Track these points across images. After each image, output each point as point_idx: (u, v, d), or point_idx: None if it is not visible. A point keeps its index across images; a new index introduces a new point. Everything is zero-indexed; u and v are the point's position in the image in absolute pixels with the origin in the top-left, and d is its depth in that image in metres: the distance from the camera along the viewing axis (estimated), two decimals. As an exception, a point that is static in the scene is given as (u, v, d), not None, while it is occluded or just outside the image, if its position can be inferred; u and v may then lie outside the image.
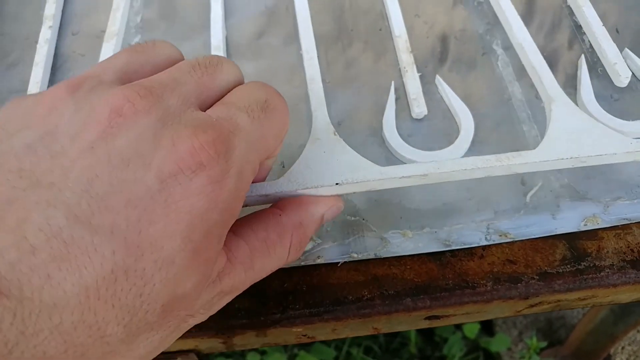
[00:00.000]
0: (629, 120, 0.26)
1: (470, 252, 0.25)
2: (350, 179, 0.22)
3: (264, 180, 0.22)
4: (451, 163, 0.22)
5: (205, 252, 0.17)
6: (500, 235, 0.25)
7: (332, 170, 0.23)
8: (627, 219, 0.25)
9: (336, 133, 0.24)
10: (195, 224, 0.16)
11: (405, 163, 0.26)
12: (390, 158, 0.27)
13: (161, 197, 0.16)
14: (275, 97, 0.20)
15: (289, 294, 0.24)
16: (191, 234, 0.16)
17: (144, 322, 0.16)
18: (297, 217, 0.21)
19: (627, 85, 0.28)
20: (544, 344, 0.80)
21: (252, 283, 0.20)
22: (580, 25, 0.31)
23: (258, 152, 0.19)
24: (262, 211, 0.21)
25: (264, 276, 0.21)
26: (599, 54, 0.29)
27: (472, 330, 0.82)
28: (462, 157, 0.26)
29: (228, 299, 0.20)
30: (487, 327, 0.87)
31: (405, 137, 0.27)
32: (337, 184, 0.22)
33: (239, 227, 0.20)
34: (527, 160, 0.23)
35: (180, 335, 0.19)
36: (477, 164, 0.23)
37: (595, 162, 0.23)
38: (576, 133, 0.23)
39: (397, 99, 0.29)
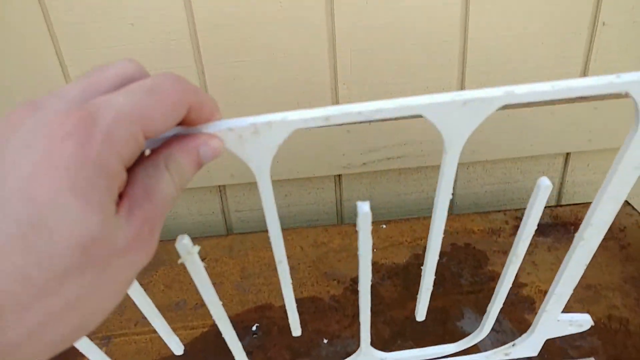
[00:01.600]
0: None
1: None
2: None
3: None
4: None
5: (94, 196, 0.21)
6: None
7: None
8: None
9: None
10: (76, 176, 0.20)
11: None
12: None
13: (46, 161, 0.20)
14: (166, 83, 0.24)
15: None
16: (75, 184, 0.20)
17: (64, 264, 0.20)
18: (167, 149, 0.25)
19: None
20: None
21: (162, 211, 0.24)
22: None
23: (134, 122, 0.22)
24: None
25: (167, 202, 0.24)
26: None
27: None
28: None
29: (154, 227, 0.24)
30: None
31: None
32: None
33: (134, 167, 0.24)
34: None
35: (133, 279, 0.24)
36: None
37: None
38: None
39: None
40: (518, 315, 0.52)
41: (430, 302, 0.39)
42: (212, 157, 0.26)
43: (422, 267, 0.36)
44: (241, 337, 0.52)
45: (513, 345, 0.45)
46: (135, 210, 0.23)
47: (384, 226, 0.67)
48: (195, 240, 0.35)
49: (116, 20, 0.58)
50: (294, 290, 0.35)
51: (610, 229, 0.43)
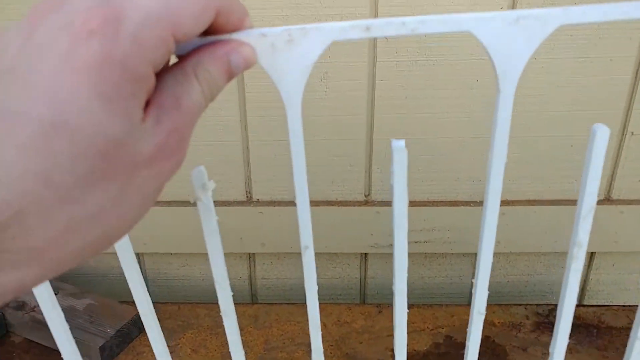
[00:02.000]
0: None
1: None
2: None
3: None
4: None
5: (119, 100, 0.20)
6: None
7: None
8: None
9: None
10: (99, 76, 0.19)
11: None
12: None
13: (69, 60, 0.19)
14: None
15: None
16: (99, 85, 0.19)
17: (87, 169, 0.20)
18: (196, 57, 0.24)
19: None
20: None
21: (192, 120, 0.24)
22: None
23: (164, 23, 0.21)
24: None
25: (198, 112, 0.24)
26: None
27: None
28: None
29: (182, 137, 0.23)
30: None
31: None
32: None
33: (163, 75, 0.23)
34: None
35: (159, 191, 0.24)
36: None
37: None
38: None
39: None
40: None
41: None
42: (243, 66, 0.25)
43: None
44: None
45: None
46: (163, 118, 0.22)
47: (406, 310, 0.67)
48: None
49: None
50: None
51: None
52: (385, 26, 0.25)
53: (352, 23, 0.25)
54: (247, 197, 0.71)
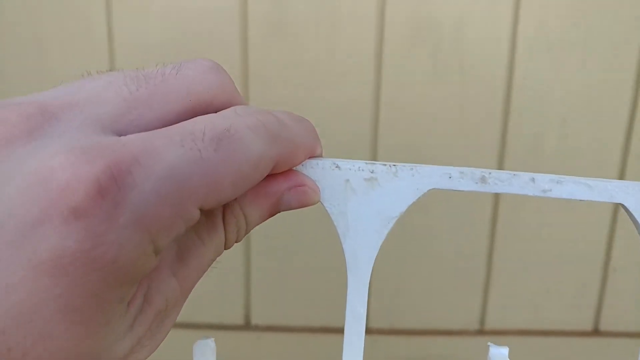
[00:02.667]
0: None
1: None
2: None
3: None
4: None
5: (97, 317, 0.14)
6: None
7: None
8: None
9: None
10: (72, 289, 0.13)
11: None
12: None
13: (24, 256, 0.12)
14: (288, 125, 0.17)
15: None
16: (69, 301, 0.13)
17: None
18: None
19: None
20: None
21: (192, 285, 0.17)
22: None
23: (189, 196, 0.14)
24: None
25: (204, 270, 0.17)
26: None
27: None
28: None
29: (167, 318, 0.17)
30: None
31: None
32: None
33: None
34: None
35: None
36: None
37: None
38: None
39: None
40: None
41: None
42: (297, 204, 0.19)
43: None
44: None
45: None
46: (153, 300, 0.16)
47: None
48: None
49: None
50: None
51: None
52: (507, 180, 0.20)
53: (463, 170, 0.19)
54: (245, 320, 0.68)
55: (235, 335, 0.64)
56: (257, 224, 0.19)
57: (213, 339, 0.22)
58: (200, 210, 0.15)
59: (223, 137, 0.15)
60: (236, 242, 0.18)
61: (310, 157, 0.19)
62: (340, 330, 0.66)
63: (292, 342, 0.64)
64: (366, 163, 0.19)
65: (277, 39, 0.48)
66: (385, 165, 0.19)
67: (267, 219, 0.19)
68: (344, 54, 0.48)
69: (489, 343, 0.23)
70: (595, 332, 0.67)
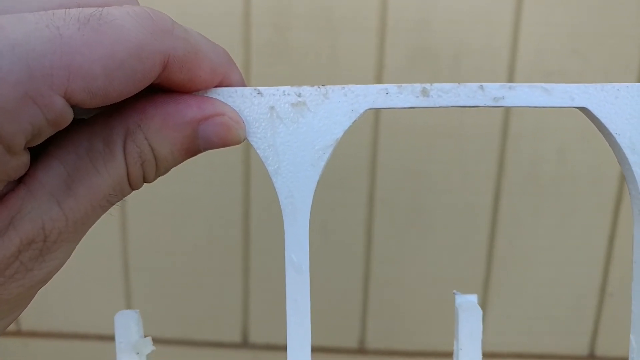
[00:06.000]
0: None
1: None
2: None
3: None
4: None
5: None
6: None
7: None
8: None
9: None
10: None
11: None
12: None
13: None
14: (126, 17, 0.14)
15: None
16: None
17: None
18: (136, 115, 0.15)
19: None
20: None
21: (80, 219, 0.14)
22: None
23: (43, 78, 0.13)
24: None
25: (98, 205, 0.15)
26: None
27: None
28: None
29: (49, 254, 0.14)
30: None
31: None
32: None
33: (59, 143, 0.15)
34: None
35: None
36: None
37: None
38: None
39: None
40: None
41: None
42: (219, 144, 0.16)
43: None
44: None
45: None
46: (23, 223, 0.14)
47: None
48: None
49: None
50: None
51: None
52: (452, 90, 0.17)
53: (401, 85, 0.17)
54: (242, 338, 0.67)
55: (232, 354, 0.65)
56: (171, 162, 0.16)
57: (138, 310, 0.20)
58: (68, 102, 0.13)
59: (91, 18, 0.13)
60: (146, 181, 0.16)
61: (226, 84, 0.17)
62: (338, 350, 0.66)
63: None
64: (291, 87, 0.17)
65: (278, 64, 0.48)
66: (313, 87, 0.17)
67: (184, 157, 0.16)
68: (344, 81, 0.48)
69: (454, 291, 0.22)
70: (591, 356, 0.67)
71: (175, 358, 0.65)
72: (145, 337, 0.20)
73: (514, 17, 0.48)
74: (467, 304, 0.20)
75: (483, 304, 0.62)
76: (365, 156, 0.52)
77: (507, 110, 0.49)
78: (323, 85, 0.17)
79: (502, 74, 0.48)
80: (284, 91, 0.17)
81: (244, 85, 0.17)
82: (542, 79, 0.49)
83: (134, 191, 0.16)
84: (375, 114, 0.50)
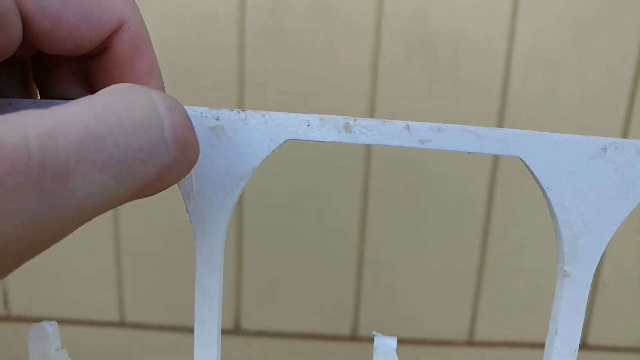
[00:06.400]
0: None
1: None
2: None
3: None
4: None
5: None
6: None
7: None
8: None
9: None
10: None
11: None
12: None
13: None
14: None
15: None
16: None
17: None
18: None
19: None
20: None
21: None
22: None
23: None
24: None
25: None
26: None
27: None
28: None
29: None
30: None
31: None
32: None
33: None
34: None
35: None
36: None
37: None
38: None
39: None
40: None
41: None
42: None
43: None
44: None
45: None
46: None
47: None
48: None
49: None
50: None
51: None
52: (376, 128, 0.16)
53: (324, 116, 0.16)
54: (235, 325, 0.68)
55: (224, 340, 0.64)
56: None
57: (55, 322, 0.19)
58: (20, 10, 0.14)
59: None
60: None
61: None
62: (331, 338, 0.66)
63: (282, 347, 0.64)
64: (209, 109, 0.16)
65: (274, 48, 0.48)
66: (232, 111, 0.16)
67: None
68: (340, 66, 0.48)
69: (373, 332, 0.21)
70: (584, 345, 0.67)
71: (168, 344, 0.65)
72: (61, 349, 0.19)
73: (512, 6, 0.47)
74: (385, 349, 0.21)
75: (476, 292, 0.62)
76: (359, 145, 0.52)
77: (503, 99, 0.49)
78: (243, 110, 0.16)
79: (499, 64, 0.48)
80: (201, 113, 0.16)
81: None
82: (541, 68, 0.48)
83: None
84: (371, 103, 0.50)
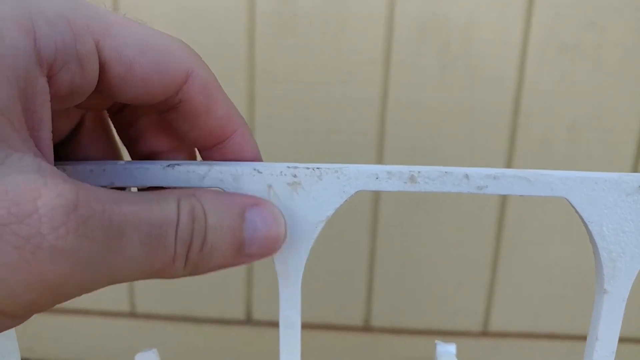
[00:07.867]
0: None
1: None
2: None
3: None
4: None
5: None
6: None
7: None
8: None
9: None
10: None
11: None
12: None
13: None
14: None
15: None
16: None
17: None
18: (190, 190, 0.17)
19: None
20: None
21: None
22: None
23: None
24: None
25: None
26: None
27: None
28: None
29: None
30: None
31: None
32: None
33: None
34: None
35: None
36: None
37: None
38: None
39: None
40: None
41: None
42: (264, 227, 0.17)
43: None
44: None
45: None
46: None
47: None
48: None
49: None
50: None
51: None
52: (438, 178, 0.18)
53: (390, 169, 0.18)
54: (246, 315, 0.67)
55: (236, 330, 0.64)
56: (217, 241, 0.16)
57: (155, 350, 0.22)
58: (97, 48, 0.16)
59: None
60: (191, 253, 0.16)
61: (239, 143, 0.19)
62: (342, 328, 0.66)
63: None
64: (288, 166, 0.18)
65: (285, 36, 0.47)
66: (308, 168, 0.19)
67: (230, 241, 0.17)
68: (352, 53, 0.47)
69: (436, 341, 0.24)
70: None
71: (179, 335, 0.65)
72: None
73: (529, -13, 0.46)
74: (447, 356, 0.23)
75: (491, 284, 0.62)
76: (373, 133, 0.51)
77: (519, 87, 0.48)
78: (318, 168, 0.18)
79: (514, 49, 0.47)
80: (280, 171, 0.18)
81: (258, 153, 0.19)
82: (557, 54, 0.47)
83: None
84: (383, 91, 0.49)
